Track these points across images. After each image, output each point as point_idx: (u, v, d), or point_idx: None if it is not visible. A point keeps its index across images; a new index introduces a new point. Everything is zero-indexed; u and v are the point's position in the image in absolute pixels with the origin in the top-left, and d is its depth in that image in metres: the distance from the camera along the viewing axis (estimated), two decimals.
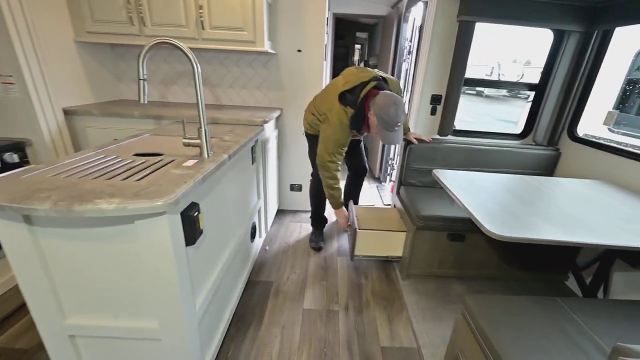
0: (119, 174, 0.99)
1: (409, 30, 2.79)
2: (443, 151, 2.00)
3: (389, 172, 3.32)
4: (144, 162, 1.11)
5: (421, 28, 2.33)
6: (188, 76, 2.31)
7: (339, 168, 1.74)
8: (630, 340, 0.95)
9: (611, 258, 1.50)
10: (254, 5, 1.83)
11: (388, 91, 1.56)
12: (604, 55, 1.76)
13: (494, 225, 1.05)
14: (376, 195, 3.11)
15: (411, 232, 1.77)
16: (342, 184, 1.85)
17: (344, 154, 1.72)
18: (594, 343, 0.93)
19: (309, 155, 2.06)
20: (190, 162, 1.10)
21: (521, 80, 1.97)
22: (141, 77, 1.03)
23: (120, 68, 2.29)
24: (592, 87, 1.83)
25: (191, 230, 0.96)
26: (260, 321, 1.58)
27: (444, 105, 1.97)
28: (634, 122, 3.04)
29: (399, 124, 1.50)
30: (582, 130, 1.96)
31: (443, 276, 1.88)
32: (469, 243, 1.76)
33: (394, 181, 2.50)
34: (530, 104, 4.55)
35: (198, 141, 1.17)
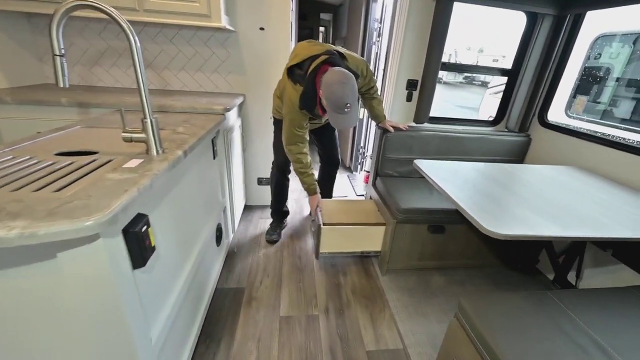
0: (31, 183, 0.74)
1: (378, 10, 2.65)
2: (420, 139, 1.92)
3: (360, 161, 3.23)
4: (69, 165, 0.86)
5: (394, 7, 2.20)
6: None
7: (304, 151, 1.58)
8: (624, 333, 0.93)
9: (583, 242, 1.53)
10: None
11: (339, 68, 1.37)
12: (575, 40, 1.77)
13: (492, 223, 0.97)
14: (348, 185, 3.01)
15: (391, 226, 1.68)
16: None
17: (304, 137, 1.56)
18: (592, 340, 0.89)
19: (273, 142, 1.91)
20: (134, 163, 0.87)
21: (495, 65, 1.91)
22: (56, 52, 0.77)
23: (40, 45, 1.88)
24: (562, 72, 1.84)
25: (139, 250, 0.75)
26: (232, 336, 1.41)
27: (420, 90, 1.88)
28: (591, 108, 3.24)
29: (348, 104, 1.33)
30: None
31: (423, 268, 1.84)
32: (449, 234, 1.72)
33: (367, 171, 2.40)
34: (491, 89, 4.66)
35: (143, 135, 0.93)
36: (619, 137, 1.59)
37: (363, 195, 2.76)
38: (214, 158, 1.56)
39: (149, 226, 0.79)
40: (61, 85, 0.81)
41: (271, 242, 2.08)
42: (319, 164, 2.16)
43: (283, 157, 1.90)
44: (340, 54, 1.47)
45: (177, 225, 1.06)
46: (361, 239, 1.79)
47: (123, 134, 0.92)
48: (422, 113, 1.88)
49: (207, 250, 1.42)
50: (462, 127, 2.05)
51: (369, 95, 1.74)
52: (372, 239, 1.80)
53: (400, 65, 1.85)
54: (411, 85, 1.90)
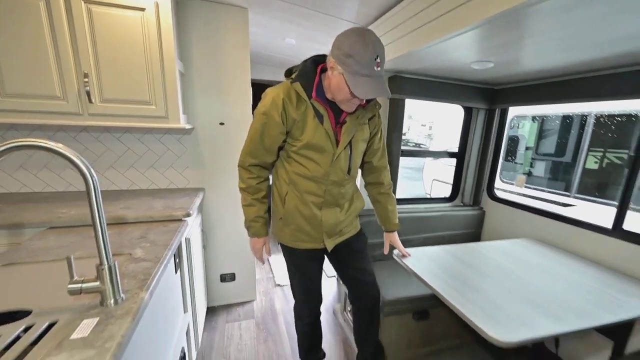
0: None
1: None
2: None
3: None
4: None
5: None
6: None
7: (254, 175, 1.17)
8: None
9: None
10: (163, 75, 1.49)
11: None
12: (505, 125, 2.09)
13: (496, 329, 0.94)
14: None
15: None
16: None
17: (264, 158, 1.16)
18: None
19: (290, 282, 1.41)
20: (86, 326, 0.68)
21: (443, 149, 2.16)
22: None
23: None
24: (500, 152, 2.12)
25: None
26: None
27: None
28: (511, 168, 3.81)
29: (378, 58, 0.91)
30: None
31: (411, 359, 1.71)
32: (433, 318, 1.66)
33: None
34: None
35: (96, 284, 0.74)
36: (559, 212, 1.79)
37: (335, 276, 2.62)
38: (176, 272, 1.34)
39: None
40: None
41: None
42: (351, 306, 1.50)
43: (308, 305, 1.41)
44: None
45: None
46: None
47: (71, 286, 0.72)
48: None
49: None
50: (424, 206, 2.14)
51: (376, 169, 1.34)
52: None
53: None
54: None
